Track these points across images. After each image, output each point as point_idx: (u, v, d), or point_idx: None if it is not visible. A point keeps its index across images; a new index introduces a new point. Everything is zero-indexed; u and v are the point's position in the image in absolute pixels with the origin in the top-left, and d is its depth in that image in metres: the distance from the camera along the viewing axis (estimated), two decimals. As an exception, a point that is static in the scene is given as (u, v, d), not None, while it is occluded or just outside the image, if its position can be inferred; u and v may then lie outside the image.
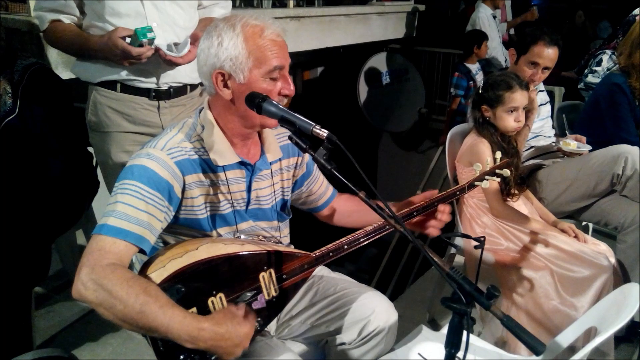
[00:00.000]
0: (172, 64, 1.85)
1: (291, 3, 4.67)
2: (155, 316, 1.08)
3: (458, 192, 1.66)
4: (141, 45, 1.72)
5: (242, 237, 1.43)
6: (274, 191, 1.50)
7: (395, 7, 5.91)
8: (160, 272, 1.18)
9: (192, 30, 1.96)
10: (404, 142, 6.80)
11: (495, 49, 5.19)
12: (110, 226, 1.18)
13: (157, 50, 1.78)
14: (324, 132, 1.14)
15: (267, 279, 1.31)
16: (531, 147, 2.63)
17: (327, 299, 1.54)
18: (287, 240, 1.58)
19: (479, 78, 4.78)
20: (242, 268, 1.27)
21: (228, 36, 1.26)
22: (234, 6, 2.40)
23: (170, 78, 1.92)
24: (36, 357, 1.40)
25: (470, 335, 1.08)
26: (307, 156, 1.60)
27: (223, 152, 1.33)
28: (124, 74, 1.85)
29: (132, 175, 1.24)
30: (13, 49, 1.79)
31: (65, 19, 1.85)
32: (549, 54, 2.37)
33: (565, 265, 2.02)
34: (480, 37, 4.79)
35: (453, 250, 2.49)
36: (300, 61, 6.00)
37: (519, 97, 2.13)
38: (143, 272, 1.21)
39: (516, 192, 2.22)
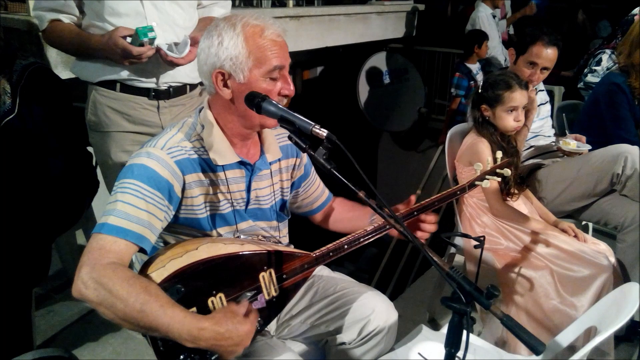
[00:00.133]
0: (172, 64, 1.85)
1: (290, 2, 4.67)
2: (155, 315, 1.08)
3: (459, 192, 1.66)
4: (142, 45, 1.72)
5: (242, 236, 1.43)
6: (274, 191, 1.50)
7: (395, 7, 5.91)
8: (160, 271, 1.18)
9: (192, 29, 1.96)
10: (404, 142, 6.80)
11: (495, 48, 5.19)
12: (110, 225, 1.18)
13: (158, 50, 1.78)
14: (323, 132, 1.14)
15: (267, 279, 1.31)
16: (531, 146, 2.63)
17: (327, 298, 1.54)
18: (286, 240, 1.58)
19: (480, 78, 4.79)
20: (242, 268, 1.27)
21: (228, 36, 1.26)
22: (233, 6, 2.40)
23: (170, 78, 1.92)
24: (36, 357, 1.40)
25: (470, 334, 1.08)
26: (305, 158, 1.60)
27: (223, 152, 1.33)
28: (123, 74, 1.85)
29: (132, 174, 1.24)
30: (12, 49, 1.79)
31: (65, 19, 1.85)
32: (547, 54, 2.37)
33: (565, 265, 2.02)
34: (481, 36, 4.79)
35: (453, 249, 2.49)
36: (300, 61, 5.99)
37: (518, 97, 2.13)
38: (143, 271, 1.21)
39: (516, 191, 2.22)
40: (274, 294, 1.32)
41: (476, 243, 1.52)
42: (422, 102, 6.31)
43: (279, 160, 1.51)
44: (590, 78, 3.62)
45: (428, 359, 1.53)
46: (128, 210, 1.20)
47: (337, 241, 1.40)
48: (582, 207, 2.48)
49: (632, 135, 2.60)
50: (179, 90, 1.96)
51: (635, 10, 3.63)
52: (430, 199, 1.56)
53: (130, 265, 1.23)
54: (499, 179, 1.75)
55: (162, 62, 1.84)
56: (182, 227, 1.37)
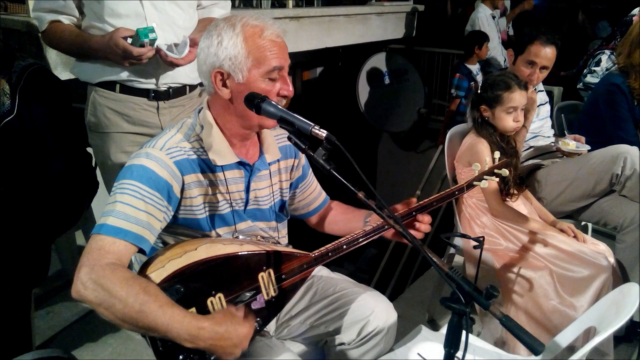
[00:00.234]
0: (172, 65, 1.85)
1: (290, 3, 4.67)
2: (155, 315, 1.08)
3: (457, 192, 1.66)
4: (142, 46, 1.73)
5: (241, 237, 1.43)
6: (273, 192, 1.50)
7: (395, 8, 5.91)
8: (159, 272, 1.18)
9: (192, 30, 1.96)
10: (403, 142, 6.80)
11: (495, 49, 5.20)
12: (109, 226, 1.18)
13: (158, 51, 1.78)
14: (323, 133, 1.14)
15: (266, 279, 1.31)
16: (530, 147, 2.63)
17: (327, 299, 1.54)
18: (285, 240, 1.58)
19: (480, 79, 4.79)
20: (241, 268, 1.27)
21: (228, 36, 1.26)
22: (233, 6, 2.40)
23: (170, 79, 1.92)
24: (36, 357, 1.40)
25: (470, 335, 1.08)
26: (303, 159, 1.60)
27: (222, 152, 1.34)
28: (123, 75, 1.85)
29: (131, 174, 1.24)
30: (11, 50, 1.79)
31: (65, 20, 1.85)
32: (546, 53, 2.37)
33: (564, 265, 2.02)
34: (482, 38, 4.80)
35: (452, 250, 2.49)
36: (300, 61, 6.00)
37: (517, 97, 2.13)
38: (142, 272, 1.21)
39: (515, 192, 2.22)
40: (273, 294, 1.32)
41: (475, 243, 1.53)
42: (422, 103, 6.31)
43: (278, 160, 1.51)
44: (590, 79, 3.63)
45: (427, 359, 1.53)
46: (127, 210, 1.20)
47: (336, 241, 1.40)
48: (581, 208, 2.49)
49: (631, 136, 2.60)
50: (179, 91, 1.96)
51: (635, 11, 3.63)
52: (429, 199, 1.56)
53: (130, 266, 1.23)
54: (497, 179, 1.75)
55: (161, 63, 1.84)
56: (181, 228, 1.37)
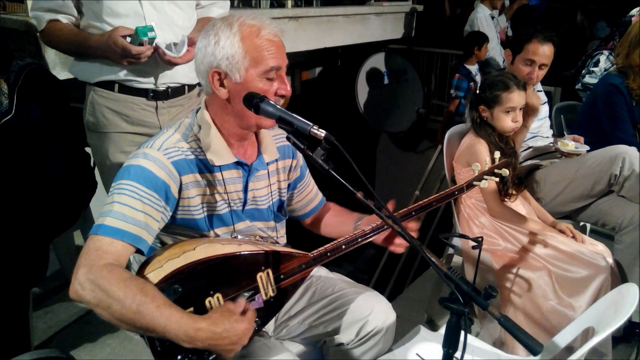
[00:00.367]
0: (170, 64, 1.84)
1: (289, 3, 4.67)
2: (152, 316, 1.08)
3: (457, 192, 1.66)
4: (141, 44, 1.72)
5: (239, 237, 1.42)
6: (271, 192, 1.50)
7: (394, 8, 5.91)
8: (157, 272, 1.18)
9: (191, 29, 1.95)
10: (402, 143, 6.80)
11: (494, 49, 5.20)
12: (107, 226, 1.18)
13: (156, 49, 1.78)
14: (321, 133, 1.13)
15: (264, 279, 1.31)
16: (529, 147, 2.63)
17: (326, 299, 1.54)
18: (283, 240, 1.58)
19: (479, 79, 4.79)
20: (240, 268, 1.27)
21: (225, 35, 1.26)
22: (232, 6, 2.40)
23: (169, 78, 1.91)
24: (34, 357, 1.39)
25: (468, 335, 1.08)
26: (301, 159, 1.60)
27: (220, 152, 1.33)
28: (122, 74, 1.85)
29: (128, 175, 1.24)
30: (9, 50, 1.79)
31: (63, 19, 1.85)
32: (544, 51, 2.38)
33: (563, 266, 2.02)
34: (482, 38, 4.80)
35: (451, 250, 2.49)
36: (299, 61, 5.99)
37: (516, 98, 2.13)
38: (140, 272, 1.21)
39: (514, 192, 2.22)
40: (271, 294, 1.32)
41: (474, 244, 1.52)
42: (421, 103, 6.32)
43: (276, 160, 1.51)
44: (588, 79, 3.63)
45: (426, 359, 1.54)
46: (125, 211, 1.20)
47: (335, 241, 1.40)
48: (580, 208, 2.49)
49: (629, 136, 2.60)
50: (178, 90, 1.96)
51: (633, 11, 3.63)
52: (428, 198, 1.56)
53: (128, 266, 1.23)
54: (497, 179, 1.75)
55: (160, 62, 1.84)
56: (179, 228, 1.37)
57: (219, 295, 1.22)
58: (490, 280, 2.16)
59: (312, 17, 4.63)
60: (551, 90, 4.73)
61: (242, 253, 1.28)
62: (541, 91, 2.69)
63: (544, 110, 2.70)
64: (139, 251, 1.22)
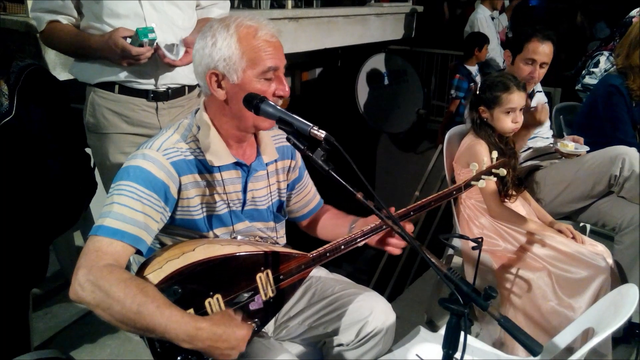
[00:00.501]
0: (170, 65, 1.85)
1: (289, 4, 4.67)
2: (152, 316, 1.08)
3: (455, 192, 1.66)
4: (141, 46, 1.72)
5: (239, 237, 1.42)
6: (270, 192, 1.50)
7: (394, 9, 5.92)
8: (157, 273, 1.18)
9: (191, 30, 1.96)
10: (402, 143, 6.80)
11: (494, 49, 5.20)
12: (106, 227, 1.18)
13: (157, 49, 1.78)
14: (321, 133, 1.13)
15: (264, 280, 1.31)
16: (529, 148, 2.63)
17: (325, 300, 1.54)
18: (283, 240, 1.58)
19: (479, 80, 4.79)
20: (239, 269, 1.27)
21: (222, 36, 1.26)
22: (232, 7, 2.40)
23: (169, 79, 1.92)
24: (34, 358, 1.40)
25: (468, 336, 1.08)
26: (300, 160, 1.60)
27: (219, 153, 1.34)
28: (122, 75, 1.85)
29: (128, 176, 1.24)
30: (9, 50, 1.79)
31: (63, 20, 1.85)
32: (544, 49, 2.39)
33: (562, 266, 2.02)
34: (482, 39, 4.80)
35: (451, 251, 2.49)
36: (299, 62, 6.00)
37: (516, 98, 2.13)
38: (140, 273, 1.21)
39: (514, 193, 2.22)
40: (271, 294, 1.32)
41: (474, 244, 1.52)
42: (421, 104, 6.32)
43: (276, 161, 1.51)
44: (588, 80, 3.63)
45: (425, 361, 1.54)
46: (124, 212, 1.20)
47: (334, 242, 1.40)
48: (580, 209, 2.49)
49: (629, 137, 2.60)
50: (178, 91, 1.96)
51: (634, 12, 3.63)
52: (427, 198, 1.56)
53: (128, 267, 1.23)
54: (495, 179, 1.75)
55: (160, 63, 1.84)
56: (178, 229, 1.37)
57: (218, 296, 1.22)
58: (490, 281, 2.16)
59: (312, 17, 4.64)
60: (551, 91, 4.73)
61: (241, 254, 1.28)
62: (541, 91, 2.70)
63: (545, 111, 2.70)
64: (138, 252, 1.22)
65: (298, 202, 1.66)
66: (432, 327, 2.65)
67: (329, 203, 1.76)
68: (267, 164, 1.47)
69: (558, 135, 2.93)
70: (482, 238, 1.30)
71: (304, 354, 1.58)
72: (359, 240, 1.42)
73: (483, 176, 1.68)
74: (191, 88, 2.01)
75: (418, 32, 6.29)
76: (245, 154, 1.42)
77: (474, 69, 4.90)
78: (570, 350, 1.57)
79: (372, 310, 1.48)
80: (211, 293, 1.22)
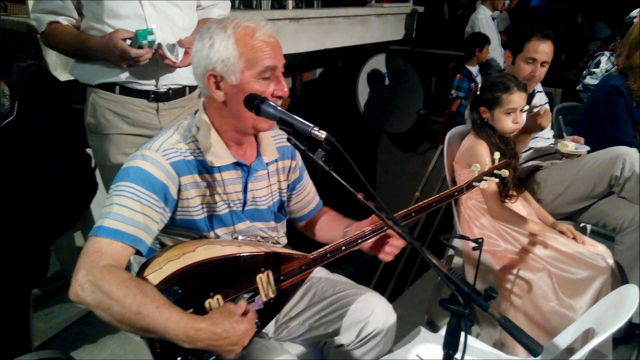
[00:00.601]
0: (170, 66, 1.85)
1: (290, 4, 4.67)
2: (152, 317, 1.08)
3: (456, 193, 1.66)
4: (141, 47, 1.72)
5: (240, 237, 1.42)
6: (271, 192, 1.50)
7: (394, 9, 5.92)
8: (157, 273, 1.18)
9: (191, 30, 1.96)
10: (403, 144, 6.80)
11: (495, 50, 5.20)
12: (106, 228, 1.18)
13: (157, 50, 1.78)
14: (322, 134, 1.13)
15: (264, 281, 1.31)
16: (530, 148, 2.63)
17: (326, 300, 1.54)
18: (284, 240, 1.58)
19: (480, 80, 4.79)
20: (240, 269, 1.27)
21: (219, 38, 1.26)
22: (233, 7, 2.40)
23: (169, 80, 1.92)
24: (34, 358, 1.40)
25: (469, 336, 1.08)
26: (300, 161, 1.60)
27: (218, 153, 1.34)
28: (122, 76, 1.85)
29: (127, 176, 1.24)
30: (10, 51, 1.79)
31: (64, 21, 1.85)
32: (544, 48, 2.39)
33: (563, 267, 2.02)
34: (483, 40, 4.80)
35: (451, 251, 2.49)
36: (299, 63, 6.00)
37: (516, 99, 2.13)
38: (140, 273, 1.21)
39: (514, 193, 2.22)
40: (271, 295, 1.32)
41: (474, 245, 1.52)
42: (421, 104, 6.31)
43: (276, 161, 1.51)
44: (589, 80, 3.63)
45: (426, 361, 1.53)
46: (124, 212, 1.20)
47: (335, 242, 1.40)
48: (580, 209, 2.49)
49: (630, 137, 2.60)
50: (178, 92, 1.96)
51: (634, 12, 3.63)
52: (428, 199, 1.56)
53: (128, 268, 1.23)
54: (497, 180, 1.75)
55: (161, 64, 1.84)
56: (178, 229, 1.37)
57: (218, 296, 1.23)
58: (490, 282, 2.16)
59: (313, 18, 4.64)
60: (552, 91, 4.72)
61: (241, 254, 1.28)
62: (541, 92, 2.70)
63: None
64: (138, 252, 1.22)
65: (298, 202, 1.66)
66: (433, 327, 2.65)
67: (329, 204, 1.76)
68: (267, 164, 1.47)
69: (558, 135, 2.93)
70: (482, 238, 1.30)
71: (305, 355, 1.58)
72: (359, 241, 1.42)
73: (485, 177, 1.68)
74: (192, 89, 2.01)
75: (419, 33, 6.29)
76: (245, 154, 1.42)
77: (474, 69, 4.89)
78: (570, 350, 1.57)
79: (372, 311, 1.48)
80: (211, 294, 1.22)
